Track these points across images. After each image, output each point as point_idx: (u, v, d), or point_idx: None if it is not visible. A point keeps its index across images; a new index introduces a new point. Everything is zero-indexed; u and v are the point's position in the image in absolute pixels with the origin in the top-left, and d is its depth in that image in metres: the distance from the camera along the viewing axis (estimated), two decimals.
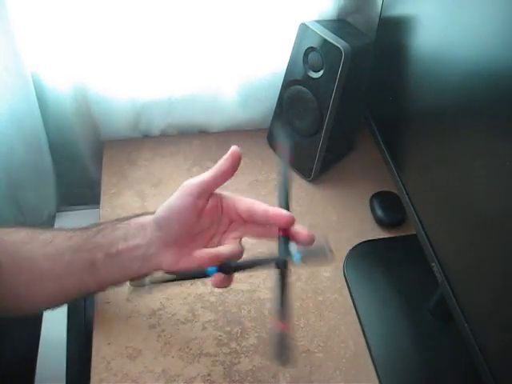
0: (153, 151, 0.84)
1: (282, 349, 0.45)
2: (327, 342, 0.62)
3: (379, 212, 0.75)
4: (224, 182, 0.50)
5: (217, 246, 0.51)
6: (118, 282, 0.52)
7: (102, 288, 0.53)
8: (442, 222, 0.56)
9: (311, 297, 0.66)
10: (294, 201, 0.78)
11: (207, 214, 0.51)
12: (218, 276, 0.48)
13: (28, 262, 0.49)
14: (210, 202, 0.51)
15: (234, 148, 0.50)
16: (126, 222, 0.51)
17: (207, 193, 0.50)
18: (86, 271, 0.49)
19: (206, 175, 0.50)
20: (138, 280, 0.50)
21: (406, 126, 0.65)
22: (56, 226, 0.80)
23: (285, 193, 0.52)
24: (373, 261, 0.71)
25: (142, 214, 0.52)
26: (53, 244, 0.49)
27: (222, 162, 0.50)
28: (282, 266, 0.47)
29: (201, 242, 0.51)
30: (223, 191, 0.53)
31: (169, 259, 0.50)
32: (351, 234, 0.73)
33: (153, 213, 0.51)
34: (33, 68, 0.71)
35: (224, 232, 0.52)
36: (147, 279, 0.49)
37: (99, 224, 0.52)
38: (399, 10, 0.65)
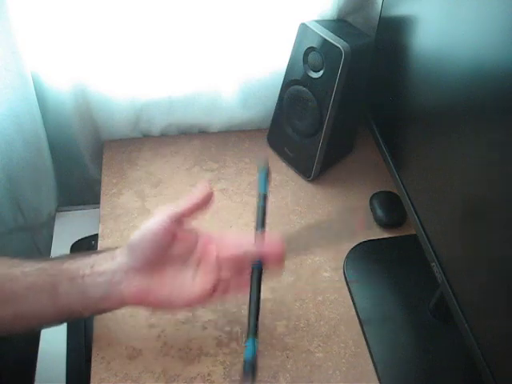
0: (153, 151, 0.84)
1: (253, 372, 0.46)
2: (327, 342, 0.62)
3: (379, 212, 0.75)
4: (197, 212, 0.52)
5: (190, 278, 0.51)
6: (76, 311, 0.50)
7: (60, 316, 0.51)
8: (442, 222, 0.56)
9: (311, 297, 0.66)
10: (293, 201, 0.79)
11: (180, 241, 0.51)
12: None
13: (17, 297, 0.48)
14: (184, 232, 0.51)
15: (204, 186, 0.52)
16: (100, 251, 0.51)
17: (181, 219, 0.51)
18: (46, 294, 0.48)
19: (180, 203, 0.51)
20: None
21: (405, 126, 0.65)
22: (56, 226, 0.80)
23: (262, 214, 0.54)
24: (373, 261, 0.71)
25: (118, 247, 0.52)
26: (20, 267, 0.49)
27: (195, 196, 0.52)
28: None
29: (172, 272, 0.51)
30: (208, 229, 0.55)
31: (135, 288, 0.49)
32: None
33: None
34: (33, 67, 0.71)
35: (197, 265, 0.52)
36: None
37: (74, 254, 0.52)
38: (399, 10, 0.65)
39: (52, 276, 0.49)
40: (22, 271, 0.49)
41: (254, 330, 0.48)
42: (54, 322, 0.53)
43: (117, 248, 0.51)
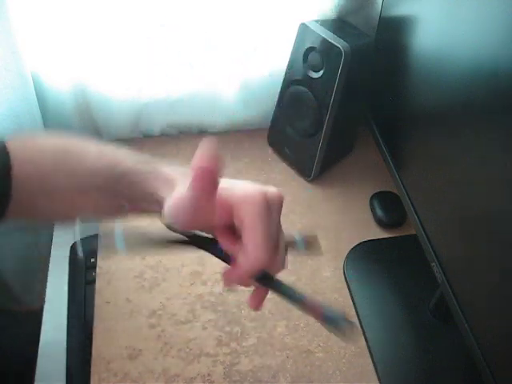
0: (153, 151, 0.83)
1: (336, 323, 0.42)
2: (327, 342, 0.62)
3: (379, 212, 0.75)
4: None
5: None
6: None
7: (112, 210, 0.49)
8: (442, 222, 0.56)
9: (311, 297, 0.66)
10: (293, 201, 0.79)
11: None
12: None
13: (58, 192, 0.47)
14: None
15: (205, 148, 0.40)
16: (148, 178, 0.46)
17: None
18: (115, 209, 0.48)
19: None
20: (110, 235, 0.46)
21: (406, 126, 0.65)
22: (56, 226, 0.80)
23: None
24: (373, 261, 0.71)
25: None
26: (77, 177, 0.47)
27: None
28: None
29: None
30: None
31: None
32: (351, 233, 0.73)
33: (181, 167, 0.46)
34: (33, 67, 0.71)
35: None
36: (118, 232, 0.44)
37: (120, 162, 0.47)
38: (399, 9, 0.65)
39: (113, 197, 0.47)
40: (83, 185, 0.47)
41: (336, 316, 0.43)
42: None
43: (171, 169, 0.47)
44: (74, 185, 0.47)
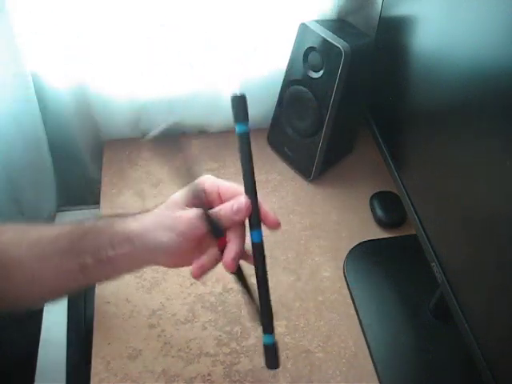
0: (153, 151, 0.84)
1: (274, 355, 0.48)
2: (327, 342, 0.62)
3: (379, 212, 0.75)
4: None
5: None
6: (112, 279, 0.50)
7: (97, 282, 0.54)
8: (442, 222, 0.56)
9: (311, 297, 0.66)
10: (293, 201, 0.79)
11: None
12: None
13: (17, 264, 0.48)
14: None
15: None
16: (109, 226, 0.48)
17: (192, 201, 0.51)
18: (77, 273, 0.48)
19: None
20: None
21: (406, 126, 0.65)
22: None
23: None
24: (373, 261, 0.71)
25: (125, 216, 0.50)
26: (40, 246, 0.48)
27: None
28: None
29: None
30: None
31: (166, 259, 0.49)
32: (351, 233, 0.73)
33: (136, 212, 0.49)
34: (33, 68, 0.71)
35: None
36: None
37: (82, 223, 0.49)
38: (399, 9, 0.65)
39: (75, 257, 0.47)
40: (44, 252, 0.48)
41: (269, 327, 0.47)
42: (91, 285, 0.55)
43: (126, 219, 0.49)
44: (36, 253, 0.48)
